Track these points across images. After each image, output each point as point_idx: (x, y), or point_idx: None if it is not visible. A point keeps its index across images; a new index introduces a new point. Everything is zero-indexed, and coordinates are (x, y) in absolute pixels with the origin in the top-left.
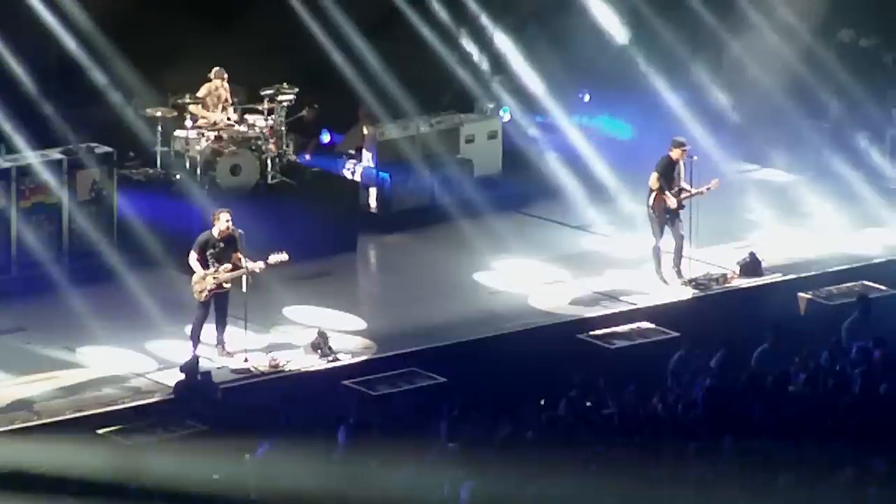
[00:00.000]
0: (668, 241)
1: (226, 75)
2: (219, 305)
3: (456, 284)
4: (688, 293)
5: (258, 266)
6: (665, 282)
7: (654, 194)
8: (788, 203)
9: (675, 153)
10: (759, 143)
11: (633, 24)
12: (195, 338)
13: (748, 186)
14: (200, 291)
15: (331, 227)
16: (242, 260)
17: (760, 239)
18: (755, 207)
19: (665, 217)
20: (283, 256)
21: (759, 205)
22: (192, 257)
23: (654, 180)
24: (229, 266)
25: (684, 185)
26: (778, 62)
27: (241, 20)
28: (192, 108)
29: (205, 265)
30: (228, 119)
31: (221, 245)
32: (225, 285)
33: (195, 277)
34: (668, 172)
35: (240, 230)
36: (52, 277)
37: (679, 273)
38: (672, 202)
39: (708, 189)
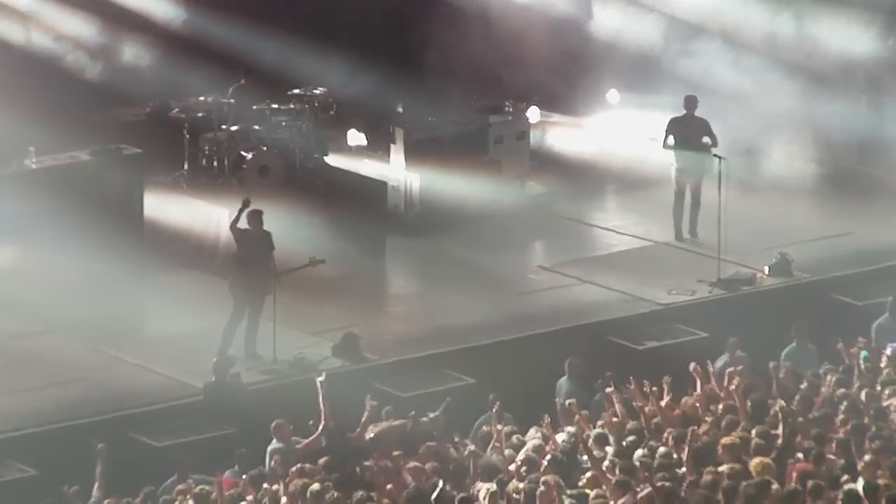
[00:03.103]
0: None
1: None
2: (251, 307)
3: (485, 285)
4: (717, 293)
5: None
6: (682, 237)
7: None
8: (818, 202)
9: (683, 111)
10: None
11: None
12: (226, 339)
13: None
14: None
15: (359, 228)
16: (274, 260)
17: (791, 239)
18: (786, 207)
19: (683, 181)
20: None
21: (791, 204)
22: (229, 257)
23: (664, 143)
24: (264, 266)
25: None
26: None
27: None
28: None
29: (238, 266)
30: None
31: (253, 246)
32: (259, 285)
33: (231, 280)
34: (678, 130)
35: (269, 231)
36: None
37: (694, 234)
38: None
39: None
